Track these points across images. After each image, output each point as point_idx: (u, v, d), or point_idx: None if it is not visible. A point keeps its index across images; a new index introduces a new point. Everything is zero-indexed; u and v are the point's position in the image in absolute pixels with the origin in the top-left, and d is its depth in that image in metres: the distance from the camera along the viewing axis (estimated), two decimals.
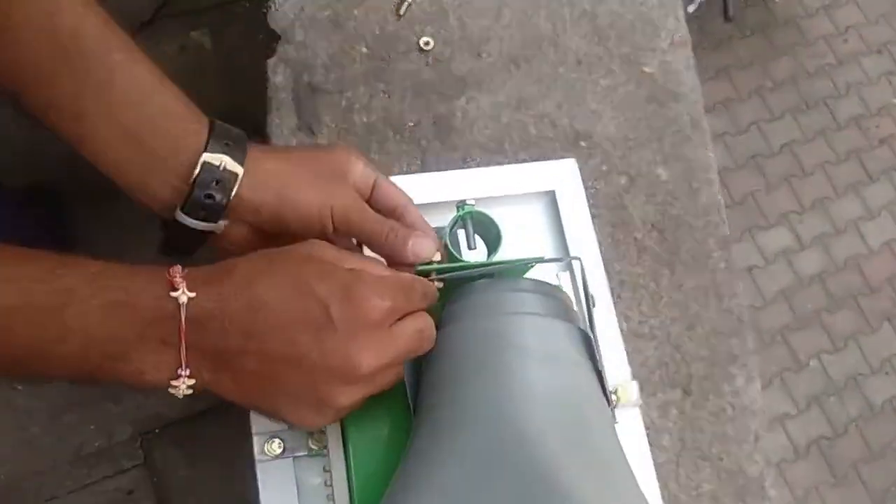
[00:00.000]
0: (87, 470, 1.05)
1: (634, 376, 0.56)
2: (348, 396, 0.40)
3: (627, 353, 0.57)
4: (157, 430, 1.07)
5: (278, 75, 0.63)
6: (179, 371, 0.38)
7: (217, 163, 0.43)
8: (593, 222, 0.60)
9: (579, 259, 0.50)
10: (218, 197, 0.43)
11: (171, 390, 0.40)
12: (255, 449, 0.51)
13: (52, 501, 1.03)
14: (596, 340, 0.45)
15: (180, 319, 0.37)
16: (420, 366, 0.46)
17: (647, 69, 0.70)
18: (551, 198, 0.62)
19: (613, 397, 0.56)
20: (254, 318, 0.38)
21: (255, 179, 0.44)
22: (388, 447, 0.49)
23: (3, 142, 0.90)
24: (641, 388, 0.59)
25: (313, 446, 0.51)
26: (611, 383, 0.56)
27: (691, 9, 1.98)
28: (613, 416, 0.51)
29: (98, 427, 1.05)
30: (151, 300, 0.37)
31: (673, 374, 0.61)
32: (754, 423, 0.62)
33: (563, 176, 0.63)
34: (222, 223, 0.46)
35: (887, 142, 2.43)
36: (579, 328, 0.45)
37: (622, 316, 0.62)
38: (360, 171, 0.47)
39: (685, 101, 0.69)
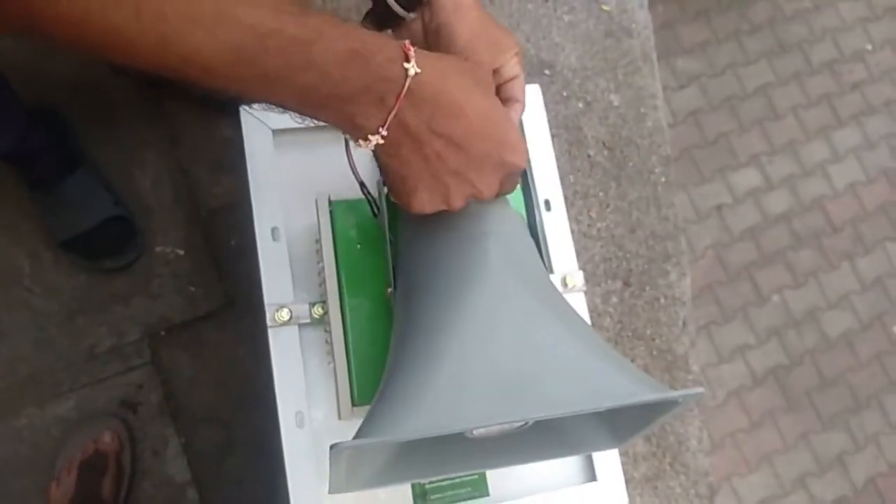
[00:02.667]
0: (101, 366, 1.15)
1: (582, 269, 0.67)
2: (487, 184, 0.49)
3: (577, 251, 0.68)
4: (163, 332, 1.17)
5: None
6: (381, 129, 0.44)
7: None
8: (552, 141, 0.70)
9: (524, 170, 0.61)
10: None
11: (361, 142, 0.46)
12: (267, 317, 0.62)
13: (69, 394, 1.14)
14: (541, 223, 0.57)
15: (402, 86, 0.43)
16: (397, 248, 0.57)
17: (605, 7, 0.79)
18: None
19: (561, 286, 0.68)
20: (457, 113, 0.46)
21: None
22: (378, 316, 0.60)
23: (7, 64, 0.97)
24: (588, 280, 0.70)
25: (315, 314, 0.62)
26: (560, 272, 0.67)
27: None
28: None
29: (109, 328, 1.15)
30: (385, 60, 0.43)
31: (615, 268, 0.73)
32: (683, 311, 0.74)
33: (528, 100, 0.73)
34: (413, 15, 0.55)
35: (859, 87, 2.48)
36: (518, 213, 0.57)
37: (574, 220, 0.72)
38: (515, 60, 0.56)
39: (638, 36, 0.78)
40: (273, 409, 0.77)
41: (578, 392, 0.44)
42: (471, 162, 0.47)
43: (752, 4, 2.50)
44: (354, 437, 0.43)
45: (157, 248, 1.19)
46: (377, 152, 0.47)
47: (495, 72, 0.56)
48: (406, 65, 0.43)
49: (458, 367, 0.45)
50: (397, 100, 0.44)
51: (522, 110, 0.59)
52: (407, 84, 0.43)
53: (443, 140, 0.46)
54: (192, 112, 1.25)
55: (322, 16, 0.43)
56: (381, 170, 0.49)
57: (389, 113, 0.44)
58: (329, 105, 0.44)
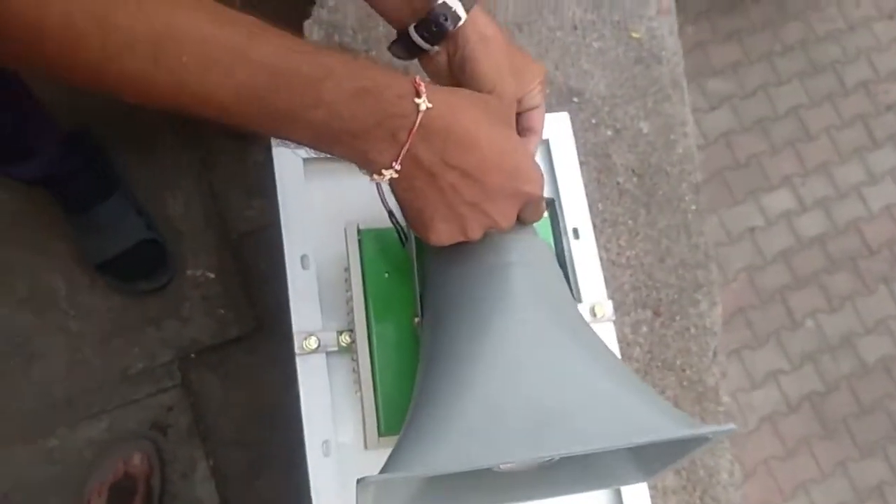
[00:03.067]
0: (133, 388, 1.17)
1: (611, 298, 0.67)
2: (503, 214, 0.49)
3: (606, 279, 0.67)
4: (193, 355, 1.19)
5: (313, 35, 0.73)
6: (394, 163, 0.45)
7: (451, 6, 0.53)
8: (581, 168, 0.70)
9: (553, 199, 0.60)
10: (444, 25, 0.53)
11: (375, 176, 0.47)
12: (295, 345, 0.62)
13: (101, 415, 1.16)
14: (569, 252, 0.56)
15: (414, 122, 0.44)
16: (425, 278, 0.57)
17: (635, 34, 0.79)
18: (546, 146, 0.73)
19: (590, 315, 0.67)
20: (470, 145, 0.46)
21: (475, 31, 0.54)
22: (405, 345, 0.60)
23: (41, 89, 1.01)
24: (617, 309, 0.69)
25: (343, 343, 0.62)
26: (588, 301, 0.67)
27: None
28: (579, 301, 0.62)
29: (141, 350, 1.17)
30: (395, 97, 0.43)
31: (645, 297, 0.72)
32: (714, 341, 0.73)
33: (556, 128, 0.73)
34: (436, 48, 0.56)
35: (894, 108, 2.44)
36: (548, 244, 0.56)
37: (603, 248, 0.72)
38: (538, 89, 0.57)
39: (668, 63, 0.78)
40: (301, 434, 0.77)
41: (610, 427, 0.43)
42: (486, 193, 0.47)
43: (785, 25, 2.49)
44: (381, 471, 0.43)
45: (188, 272, 1.21)
46: (392, 186, 0.47)
47: (518, 101, 0.56)
48: (417, 100, 0.44)
49: (486, 400, 0.45)
50: (409, 135, 0.44)
51: (538, 141, 0.59)
52: (419, 119, 0.44)
53: (457, 172, 0.46)
54: (224, 137, 1.27)
55: (333, 54, 0.43)
56: (398, 203, 0.50)
57: (402, 148, 0.44)
58: (341, 141, 0.44)
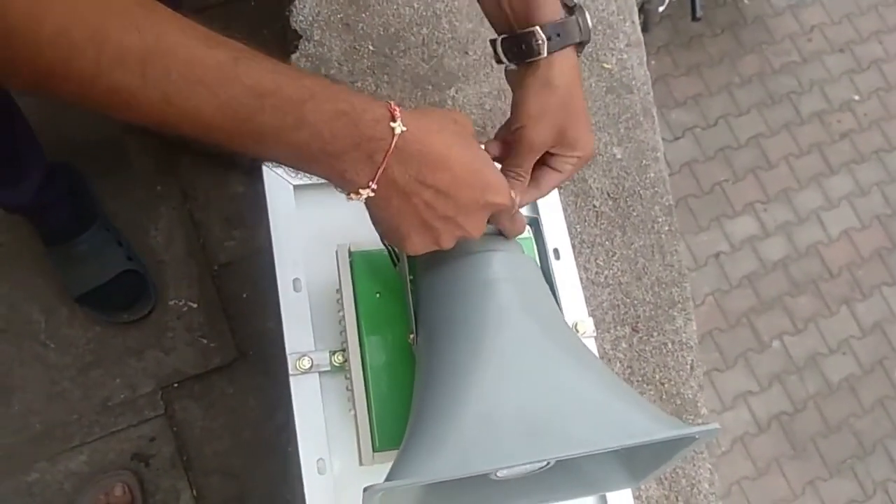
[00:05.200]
0: (114, 419, 1.16)
1: (592, 315, 0.70)
2: (474, 225, 0.52)
3: (586, 297, 0.70)
4: (175, 385, 1.19)
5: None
6: (370, 183, 0.47)
7: (538, 38, 0.55)
8: (559, 193, 0.74)
9: (536, 218, 0.63)
10: (521, 51, 0.56)
11: (353, 196, 0.48)
12: (289, 365, 0.64)
13: (81, 447, 1.15)
14: (550, 269, 0.59)
15: (390, 144, 0.46)
16: (417, 296, 0.60)
17: (606, 65, 0.83)
18: None
19: (572, 330, 0.70)
20: (442, 165, 0.48)
21: (547, 71, 0.56)
22: (398, 362, 0.63)
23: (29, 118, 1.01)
24: (597, 326, 0.72)
25: (336, 362, 0.64)
26: (570, 319, 0.70)
27: (661, 8, 2.09)
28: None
29: (123, 381, 1.17)
30: (372, 120, 0.45)
31: (623, 314, 0.75)
32: (690, 355, 0.76)
33: None
34: (512, 66, 0.59)
35: (848, 136, 2.54)
36: (534, 260, 0.59)
37: (582, 267, 0.75)
38: (573, 161, 0.59)
39: (638, 92, 0.82)
40: (284, 461, 0.78)
41: (601, 431, 0.46)
42: (459, 207, 0.50)
43: (742, 58, 2.57)
44: (386, 479, 0.45)
45: (171, 302, 1.21)
46: (368, 204, 0.49)
47: (552, 155, 0.59)
48: (392, 124, 0.46)
49: (482, 410, 0.47)
50: (385, 157, 0.46)
51: (535, 199, 0.61)
52: (394, 142, 0.46)
53: (431, 190, 0.48)
54: (205, 168, 1.29)
55: (316, 78, 0.46)
56: (373, 219, 0.52)
57: (378, 169, 0.46)
58: (320, 161, 0.46)
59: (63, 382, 1.16)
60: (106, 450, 1.15)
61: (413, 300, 0.59)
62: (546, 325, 0.53)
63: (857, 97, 2.60)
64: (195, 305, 1.22)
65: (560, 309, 0.59)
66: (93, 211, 1.20)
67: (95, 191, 1.24)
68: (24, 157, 1.03)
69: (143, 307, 1.19)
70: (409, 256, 0.60)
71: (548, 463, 0.50)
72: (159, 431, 1.17)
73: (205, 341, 1.20)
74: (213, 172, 1.29)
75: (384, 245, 0.62)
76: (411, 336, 0.58)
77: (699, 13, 1.94)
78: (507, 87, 0.82)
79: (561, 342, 0.52)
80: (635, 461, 0.54)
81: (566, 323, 0.57)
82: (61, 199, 1.15)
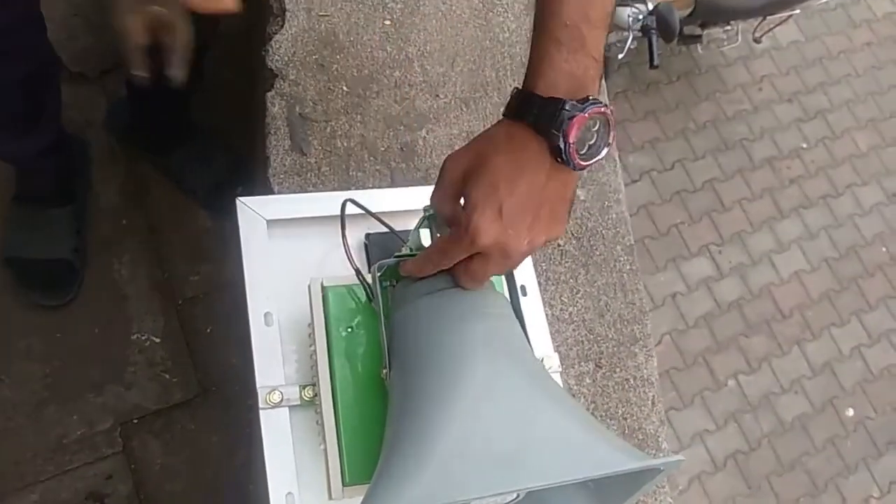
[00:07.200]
0: (69, 457, 1.13)
1: (556, 350, 0.72)
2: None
3: (551, 333, 0.72)
4: (135, 420, 1.17)
5: (275, 106, 0.78)
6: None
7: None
8: None
9: None
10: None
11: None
12: (259, 399, 0.64)
13: (32, 486, 1.11)
14: (518, 305, 0.61)
15: None
16: (391, 331, 0.61)
17: None
18: None
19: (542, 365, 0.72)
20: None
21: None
22: (368, 395, 0.63)
23: None
24: (562, 361, 0.74)
25: (306, 397, 0.65)
26: (537, 354, 0.72)
27: (621, 56, 2.17)
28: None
29: (80, 417, 1.14)
30: None
31: (587, 350, 0.77)
32: (651, 391, 0.78)
33: None
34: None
35: (797, 182, 2.63)
36: (504, 296, 0.61)
37: (547, 304, 0.77)
38: (539, 240, 0.56)
39: None
40: (245, 499, 0.77)
41: (569, 463, 0.47)
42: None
43: (697, 105, 2.66)
44: None
45: (133, 336, 1.20)
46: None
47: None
48: None
49: (453, 442, 0.48)
50: None
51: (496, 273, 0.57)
52: None
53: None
54: (172, 203, 1.29)
55: None
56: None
57: None
58: None
59: (17, 419, 1.13)
60: (59, 489, 1.12)
61: (387, 335, 0.60)
62: (517, 359, 0.55)
63: (804, 145, 2.70)
64: (158, 340, 1.20)
65: (529, 344, 0.61)
66: (74, 190, 1.20)
67: (92, 178, 1.24)
68: (50, 104, 1.04)
69: (58, 297, 1.18)
70: (382, 291, 0.61)
71: (518, 495, 0.51)
72: (117, 469, 1.15)
73: (167, 376, 1.19)
74: (179, 207, 1.28)
75: (360, 280, 0.63)
76: (384, 371, 0.59)
77: (657, 61, 2.01)
78: (475, 129, 0.85)
79: (532, 377, 0.54)
80: (602, 494, 0.56)
81: (536, 358, 0.59)
82: (51, 169, 1.15)
